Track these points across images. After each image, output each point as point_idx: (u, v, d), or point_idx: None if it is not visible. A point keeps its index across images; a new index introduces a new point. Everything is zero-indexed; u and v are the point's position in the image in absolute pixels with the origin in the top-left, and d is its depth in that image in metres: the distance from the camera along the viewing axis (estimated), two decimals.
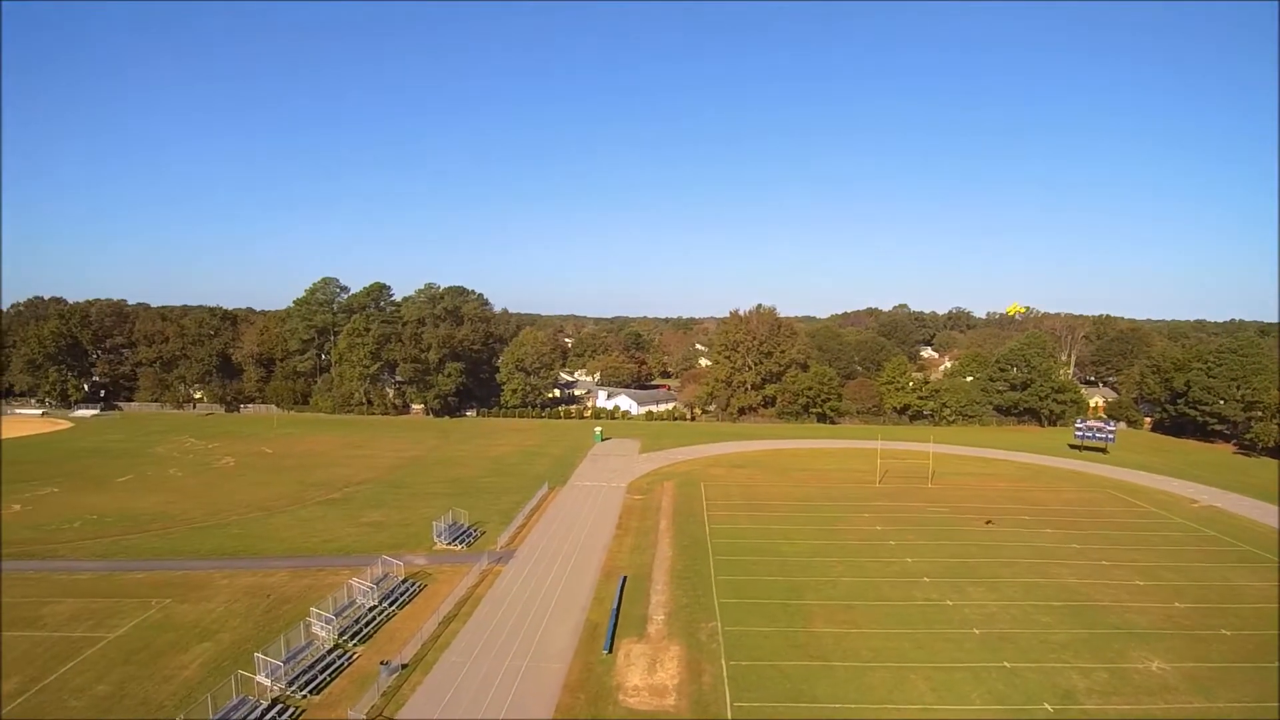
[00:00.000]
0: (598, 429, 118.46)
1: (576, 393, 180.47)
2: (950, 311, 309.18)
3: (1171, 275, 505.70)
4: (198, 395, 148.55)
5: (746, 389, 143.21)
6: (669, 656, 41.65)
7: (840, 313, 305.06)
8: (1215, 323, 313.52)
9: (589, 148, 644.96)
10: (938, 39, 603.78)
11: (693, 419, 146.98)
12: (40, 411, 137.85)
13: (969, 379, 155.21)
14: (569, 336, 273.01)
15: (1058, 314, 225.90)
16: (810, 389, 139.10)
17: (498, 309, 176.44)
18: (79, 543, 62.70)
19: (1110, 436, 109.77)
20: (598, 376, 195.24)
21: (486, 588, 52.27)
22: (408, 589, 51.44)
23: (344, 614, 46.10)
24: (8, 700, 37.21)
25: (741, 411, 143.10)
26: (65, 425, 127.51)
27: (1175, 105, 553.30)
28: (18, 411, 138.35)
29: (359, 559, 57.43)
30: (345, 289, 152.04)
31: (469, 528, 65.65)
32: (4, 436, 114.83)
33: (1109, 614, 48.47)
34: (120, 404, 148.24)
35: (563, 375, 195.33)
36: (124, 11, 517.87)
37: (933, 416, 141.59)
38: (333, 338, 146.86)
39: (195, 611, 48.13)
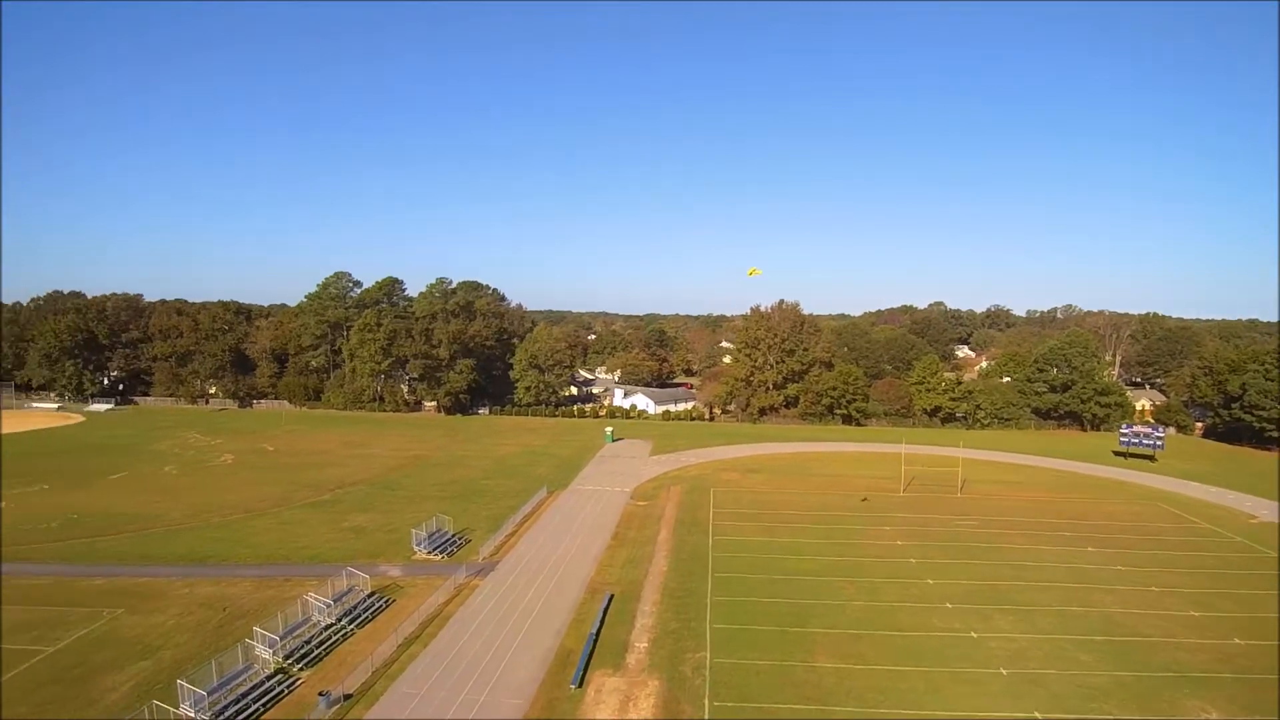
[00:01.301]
0: (609, 429, 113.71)
1: (594, 391, 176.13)
2: (989, 309, 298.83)
3: (1221, 273, 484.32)
4: (212, 390, 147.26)
5: (767, 388, 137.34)
6: (645, 694, 36.71)
7: (873, 310, 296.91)
8: (1268, 322, 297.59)
9: (624, 145, 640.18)
10: (978, 36, 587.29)
11: (711, 419, 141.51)
12: (56, 405, 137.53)
13: (1005, 380, 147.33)
14: (594, 333, 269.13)
15: (1100, 311, 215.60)
16: (834, 389, 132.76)
17: (526, 306, 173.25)
18: (48, 544, 59.81)
19: (1159, 443, 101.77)
20: (618, 375, 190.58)
21: (458, 605, 47.84)
22: (372, 605, 47.23)
23: (295, 633, 42.00)
24: None
25: (762, 412, 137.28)
26: (78, 419, 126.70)
27: (1225, 98, 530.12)
28: (35, 405, 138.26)
29: (330, 568, 53.37)
30: (358, 284, 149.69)
31: (453, 535, 61.39)
32: (18, 430, 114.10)
33: (1158, 652, 42.31)
34: (135, 398, 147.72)
35: (582, 373, 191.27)
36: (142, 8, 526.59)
37: (966, 419, 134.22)
38: (345, 333, 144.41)
39: (143, 625, 44.51)
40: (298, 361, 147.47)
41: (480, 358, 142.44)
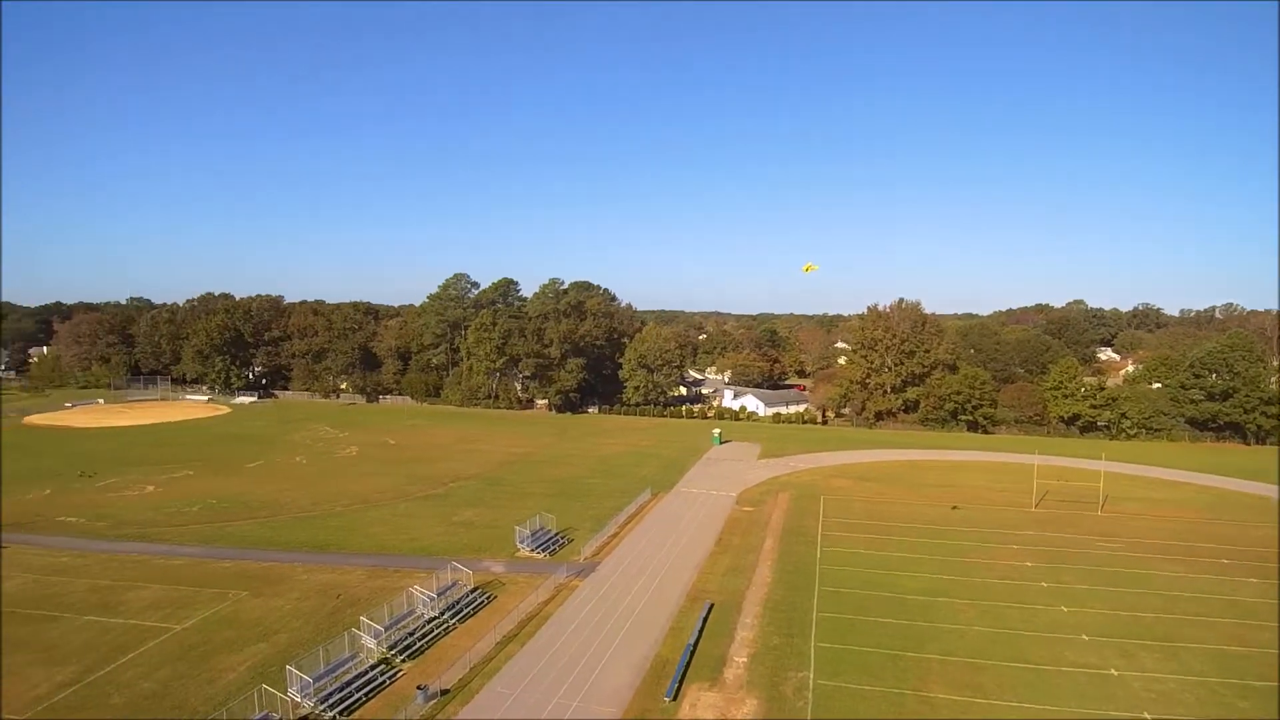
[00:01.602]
0: (716, 431, 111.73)
1: (703, 391, 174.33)
2: (1136, 308, 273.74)
3: None
4: (343, 386, 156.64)
5: (884, 391, 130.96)
6: (742, 713, 34.84)
7: (1003, 309, 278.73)
8: None
9: (751, 144, 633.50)
10: (1137, 27, 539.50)
11: (824, 423, 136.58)
12: (207, 398, 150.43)
13: (1156, 385, 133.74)
14: (705, 333, 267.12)
15: (1268, 311, 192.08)
16: (959, 393, 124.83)
17: (636, 306, 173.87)
18: (189, 527, 64.70)
19: None
20: (728, 375, 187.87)
21: (557, 605, 47.59)
22: (474, 600, 47.74)
23: (400, 624, 42.94)
24: (60, 690, 36.75)
25: (878, 416, 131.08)
26: (225, 411, 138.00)
27: None
28: (188, 397, 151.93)
29: (437, 561, 54.77)
30: (475, 284, 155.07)
31: (556, 534, 61.52)
32: (173, 419, 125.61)
33: None
34: (276, 392, 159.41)
35: (691, 373, 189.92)
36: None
37: (1109, 429, 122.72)
38: (463, 332, 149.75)
39: (264, 608, 46.94)
40: (420, 359, 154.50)
41: (590, 357, 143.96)
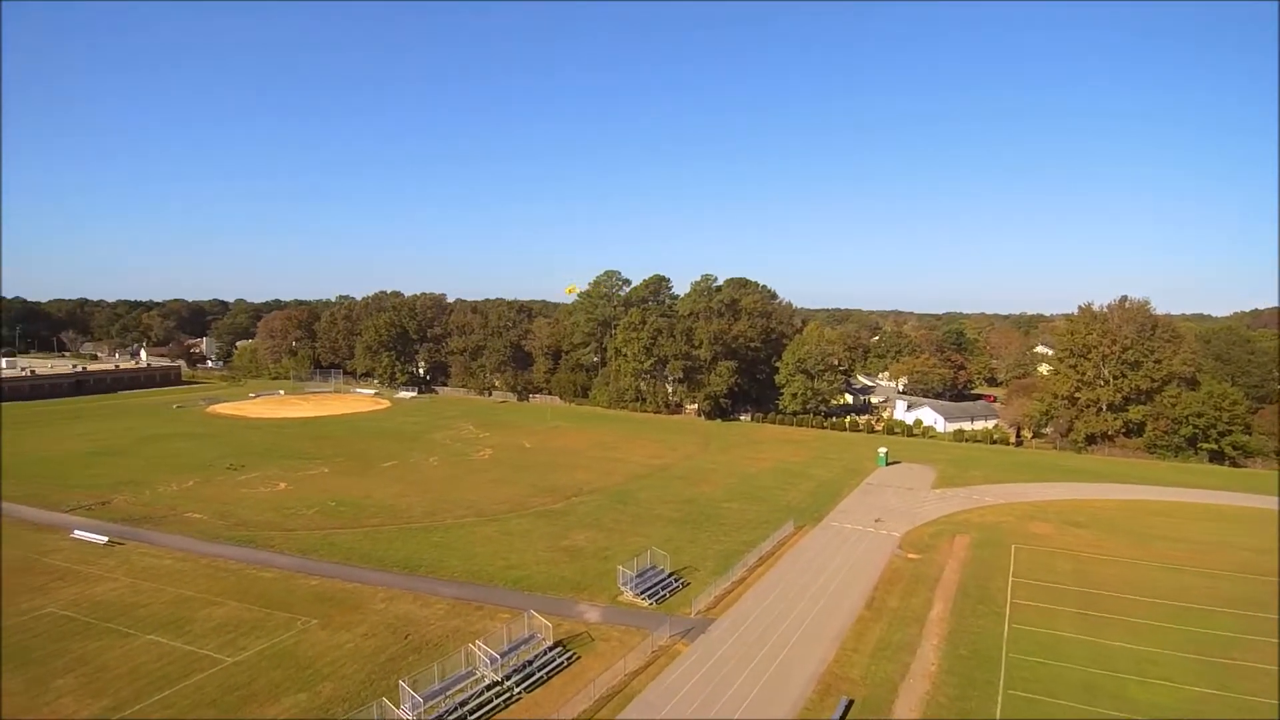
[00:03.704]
0: (882, 450, 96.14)
1: (872, 400, 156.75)
2: None
3: None
4: (496, 384, 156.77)
5: (1100, 409, 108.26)
6: None
7: (1245, 310, 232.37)
8: None
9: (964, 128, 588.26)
10: None
11: (1018, 444, 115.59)
12: (374, 391, 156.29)
13: None
14: (877, 334, 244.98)
15: None
16: (1200, 415, 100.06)
17: (807, 305, 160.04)
18: (297, 532, 62.13)
19: None
20: (902, 383, 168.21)
21: (648, 680, 37.90)
22: (551, 661, 39.19)
23: (450, 691, 35.32)
24: None
25: (1090, 440, 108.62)
26: (385, 405, 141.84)
27: None
28: (357, 390, 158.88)
29: (526, 598, 47.51)
30: (627, 281, 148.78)
31: (668, 576, 51.74)
32: (337, 412, 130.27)
33: None
34: (436, 388, 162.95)
35: (860, 379, 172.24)
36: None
37: None
38: (612, 331, 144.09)
39: (325, 644, 41.48)
40: (570, 358, 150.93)
41: (744, 360, 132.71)
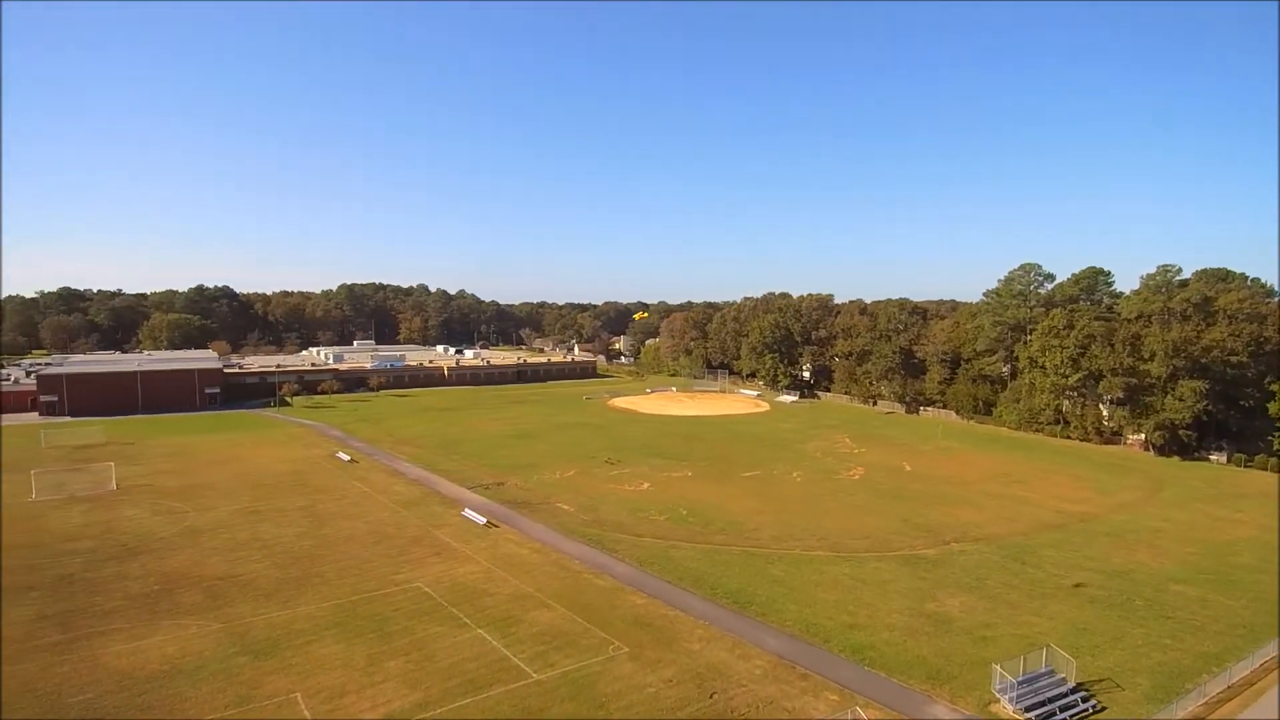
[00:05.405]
0: None
1: None
2: None
3: None
4: (882, 392, 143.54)
5: None
6: None
7: None
8: None
9: None
10: None
11: None
12: (756, 393, 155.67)
13: None
14: None
15: None
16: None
17: None
18: (643, 539, 60.87)
19: None
20: None
21: None
22: None
23: None
24: None
25: None
26: (765, 408, 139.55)
27: None
28: (742, 391, 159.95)
29: (863, 676, 37.82)
30: (1049, 277, 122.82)
31: (1070, 690, 36.47)
32: (716, 413, 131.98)
33: None
34: (819, 393, 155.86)
35: None
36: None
37: None
38: (1026, 337, 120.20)
39: (626, 682, 37.61)
40: (970, 367, 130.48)
41: (1219, 379, 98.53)
